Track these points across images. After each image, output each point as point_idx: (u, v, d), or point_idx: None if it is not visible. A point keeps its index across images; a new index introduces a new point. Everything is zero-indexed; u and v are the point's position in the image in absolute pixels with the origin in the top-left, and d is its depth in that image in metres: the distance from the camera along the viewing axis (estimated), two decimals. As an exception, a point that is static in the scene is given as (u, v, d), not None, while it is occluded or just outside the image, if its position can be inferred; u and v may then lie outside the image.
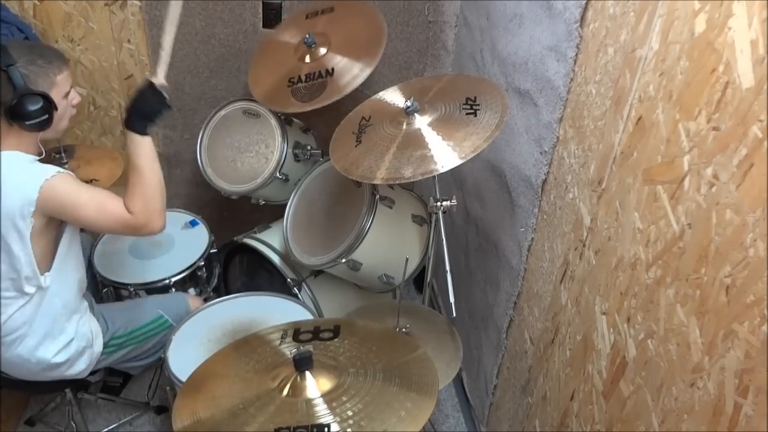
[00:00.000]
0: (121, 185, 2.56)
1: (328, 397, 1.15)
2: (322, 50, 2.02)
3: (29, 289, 1.54)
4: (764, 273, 0.84)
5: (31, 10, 2.20)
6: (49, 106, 1.50)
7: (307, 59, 2.03)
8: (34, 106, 1.46)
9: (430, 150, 1.47)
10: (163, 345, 1.71)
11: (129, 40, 2.30)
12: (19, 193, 1.45)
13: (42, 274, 1.54)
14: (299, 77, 2.01)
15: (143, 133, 1.56)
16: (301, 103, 1.95)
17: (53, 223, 1.53)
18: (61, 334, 1.62)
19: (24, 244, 1.48)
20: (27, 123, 1.47)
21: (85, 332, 1.67)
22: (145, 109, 1.58)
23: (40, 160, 1.55)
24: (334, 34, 2.06)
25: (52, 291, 1.58)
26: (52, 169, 1.48)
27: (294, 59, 2.06)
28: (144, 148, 1.56)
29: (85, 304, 1.72)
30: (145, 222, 1.55)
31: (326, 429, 1.08)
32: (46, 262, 1.55)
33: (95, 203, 1.51)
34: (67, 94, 1.56)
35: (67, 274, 1.62)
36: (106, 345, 1.73)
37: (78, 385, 1.89)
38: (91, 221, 1.53)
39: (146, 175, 1.55)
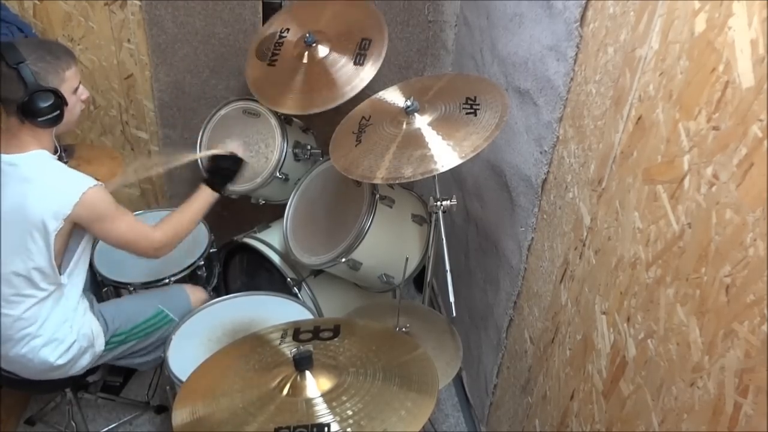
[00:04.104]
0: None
1: (328, 396, 1.15)
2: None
3: (46, 286, 1.55)
4: (764, 273, 0.84)
5: (31, 9, 2.20)
6: (60, 102, 1.50)
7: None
8: (45, 103, 1.47)
9: (430, 149, 1.47)
10: (165, 341, 1.72)
11: (129, 40, 2.30)
12: (56, 196, 1.48)
13: (60, 273, 1.55)
14: (275, 42, 2.09)
15: (220, 192, 1.81)
16: (259, 61, 2.08)
17: (75, 227, 1.54)
18: (66, 337, 1.62)
19: (47, 243, 1.49)
20: (39, 120, 1.48)
21: (86, 333, 1.67)
22: (226, 173, 1.83)
23: None
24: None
25: (66, 291, 1.60)
26: (90, 179, 1.52)
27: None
28: (209, 201, 1.78)
29: (86, 303, 1.72)
30: (160, 245, 1.67)
31: (326, 429, 1.08)
32: (58, 262, 1.56)
33: (127, 218, 1.61)
34: (76, 90, 1.56)
35: (79, 275, 1.64)
36: (107, 342, 1.73)
37: (78, 384, 1.89)
38: (117, 234, 1.59)
39: (193, 218, 1.75)
